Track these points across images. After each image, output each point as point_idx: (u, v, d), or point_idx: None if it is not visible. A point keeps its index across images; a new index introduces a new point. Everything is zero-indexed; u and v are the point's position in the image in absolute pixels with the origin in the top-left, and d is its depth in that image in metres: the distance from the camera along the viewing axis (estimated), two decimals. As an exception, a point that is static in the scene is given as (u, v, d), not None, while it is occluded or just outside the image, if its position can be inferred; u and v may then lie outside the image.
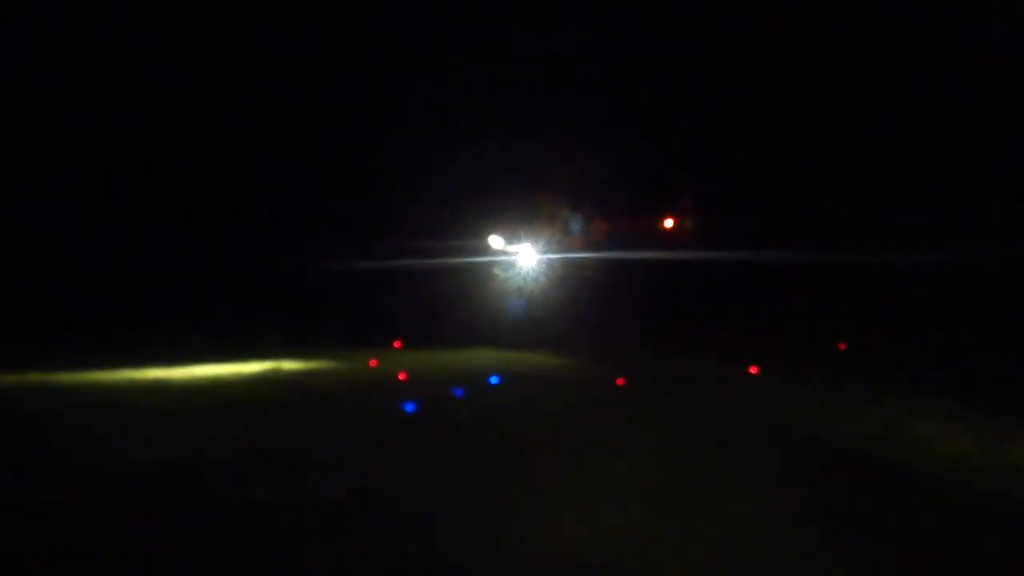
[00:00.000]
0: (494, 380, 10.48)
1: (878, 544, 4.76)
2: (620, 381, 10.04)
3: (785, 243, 12.65)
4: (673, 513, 5.31)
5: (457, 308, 14.17)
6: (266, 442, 7.48)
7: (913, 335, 11.16)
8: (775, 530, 4.94)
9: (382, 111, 15.99)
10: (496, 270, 15.15)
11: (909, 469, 6.15)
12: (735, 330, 12.41)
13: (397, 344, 13.06)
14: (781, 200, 13.39)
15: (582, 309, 14.09)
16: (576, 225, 15.53)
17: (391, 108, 15.80)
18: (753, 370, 10.25)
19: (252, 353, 11.96)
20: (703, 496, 5.63)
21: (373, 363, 11.68)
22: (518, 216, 15.23)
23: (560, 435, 7.61)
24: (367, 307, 13.96)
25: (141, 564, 4.70)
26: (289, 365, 11.54)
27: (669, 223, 15.07)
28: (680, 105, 14.19)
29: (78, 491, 5.87)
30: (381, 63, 15.97)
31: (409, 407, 8.95)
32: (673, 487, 5.84)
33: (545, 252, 15.11)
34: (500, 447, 7.18)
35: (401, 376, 10.69)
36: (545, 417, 8.44)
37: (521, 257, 15.05)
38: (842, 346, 11.36)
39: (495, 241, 15.27)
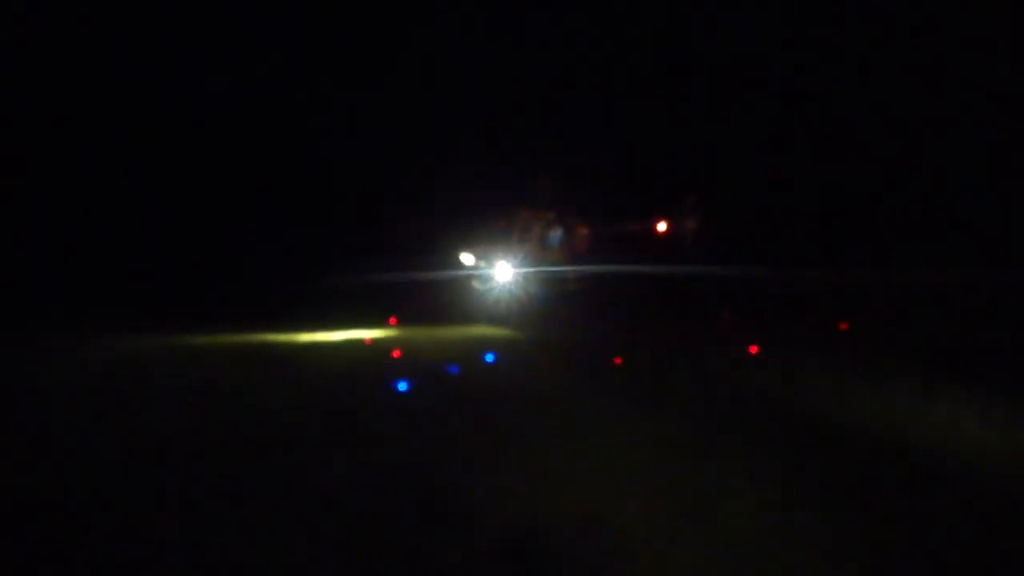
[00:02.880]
0: (489, 357, 10.34)
1: (891, 533, 4.66)
2: (617, 360, 9.95)
3: (808, 257, 12.59)
4: (674, 499, 5.17)
5: (445, 306, 14.10)
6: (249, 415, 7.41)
7: (919, 316, 11.26)
8: (781, 518, 4.83)
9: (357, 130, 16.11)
10: (473, 283, 14.99)
11: (923, 455, 6.03)
12: (733, 310, 12.44)
13: (392, 320, 13.08)
14: (811, 206, 13.36)
15: (571, 303, 14.00)
16: (555, 237, 15.37)
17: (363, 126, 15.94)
18: (753, 350, 10.22)
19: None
20: (705, 481, 5.50)
21: (367, 341, 11.59)
22: (490, 232, 15.08)
23: (556, 415, 7.45)
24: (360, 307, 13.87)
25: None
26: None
27: (662, 227, 14.75)
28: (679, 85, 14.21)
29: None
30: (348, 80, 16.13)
31: (402, 384, 8.74)
32: (673, 471, 5.70)
33: (521, 267, 14.92)
34: (493, 427, 7.01)
35: (395, 353, 10.53)
36: (541, 395, 8.29)
37: (496, 272, 14.89)
38: (844, 326, 11.38)
39: (466, 259, 15.12)
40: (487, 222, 15.13)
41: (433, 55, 15.55)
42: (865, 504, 5.02)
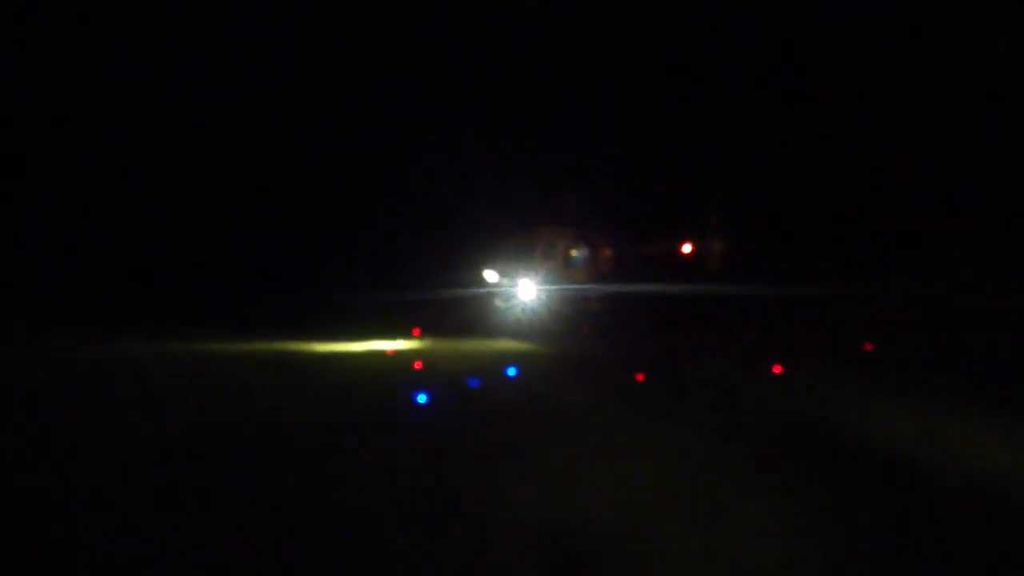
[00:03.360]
0: (511, 371, 10.31)
1: (908, 559, 4.54)
2: (640, 376, 9.89)
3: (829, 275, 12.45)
4: (690, 518, 5.06)
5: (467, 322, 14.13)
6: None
7: (943, 338, 11.10)
8: (797, 539, 4.74)
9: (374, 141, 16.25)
10: (496, 301, 14.98)
11: (942, 480, 5.84)
12: (758, 329, 12.33)
13: (416, 331, 13.13)
14: (831, 223, 13.23)
15: (597, 317, 13.97)
16: (579, 256, 15.34)
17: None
18: (777, 369, 10.12)
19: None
20: (722, 500, 5.42)
21: (389, 352, 11.66)
22: (515, 249, 15.08)
23: (574, 431, 7.37)
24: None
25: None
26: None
27: (687, 248, 14.77)
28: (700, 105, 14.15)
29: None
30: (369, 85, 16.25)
31: (422, 396, 8.72)
32: (691, 489, 5.61)
33: (544, 284, 14.88)
34: (514, 439, 6.95)
35: (416, 365, 10.57)
36: (561, 410, 8.22)
37: (520, 290, 14.87)
38: (869, 347, 11.24)
39: (490, 276, 15.12)
40: (511, 240, 15.14)
41: (462, 69, 15.64)
42: (883, 529, 4.93)
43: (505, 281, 15.00)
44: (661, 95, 14.70)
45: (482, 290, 14.99)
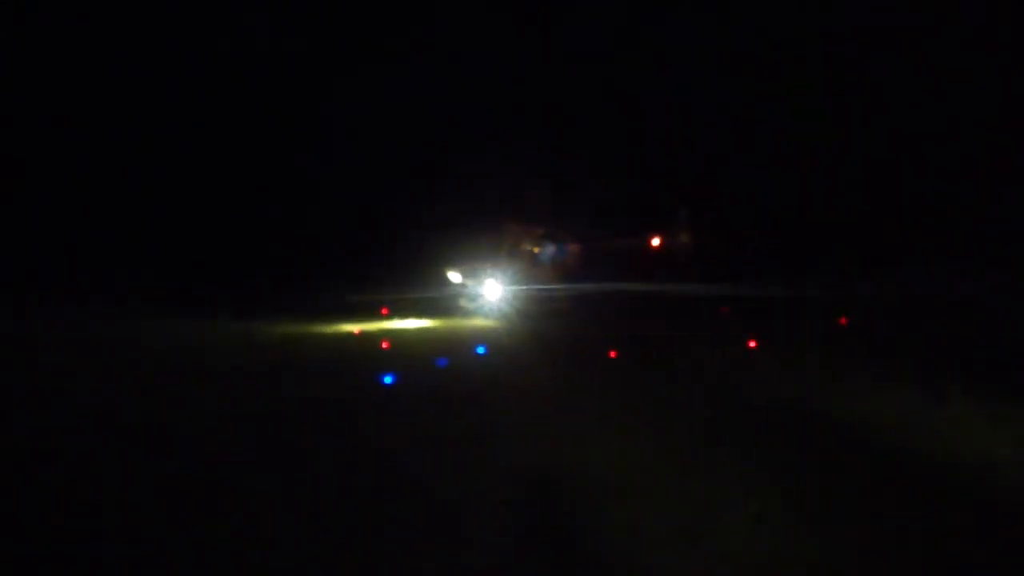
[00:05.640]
0: (480, 350, 10.11)
1: (895, 546, 4.36)
2: (612, 353, 9.71)
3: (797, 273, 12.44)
4: (666, 509, 4.85)
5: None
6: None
7: (921, 314, 11.04)
8: (777, 530, 4.53)
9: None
10: (461, 302, 14.74)
11: (930, 462, 5.64)
12: (731, 304, 12.28)
13: (384, 311, 13.22)
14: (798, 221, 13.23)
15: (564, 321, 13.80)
16: (547, 253, 15.10)
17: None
18: (752, 344, 10.00)
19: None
20: (698, 488, 5.17)
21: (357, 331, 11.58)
22: (479, 248, 14.81)
23: (547, 412, 7.18)
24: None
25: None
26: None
27: (656, 242, 14.62)
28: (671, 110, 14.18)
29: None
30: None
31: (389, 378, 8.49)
32: (665, 477, 5.38)
33: (511, 284, 14.62)
34: (483, 425, 6.75)
35: (384, 344, 10.34)
36: (532, 390, 8.01)
37: (485, 290, 14.60)
38: (843, 321, 11.14)
39: (454, 276, 14.84)
40: (474, 238, 14.84)
41: (426, 69, 15.58)
42: (870, 515, 4.76)
43: (469, 281, 14.71)
44: (628, 91, 14.70)
45: (445, 291, 14.75)
